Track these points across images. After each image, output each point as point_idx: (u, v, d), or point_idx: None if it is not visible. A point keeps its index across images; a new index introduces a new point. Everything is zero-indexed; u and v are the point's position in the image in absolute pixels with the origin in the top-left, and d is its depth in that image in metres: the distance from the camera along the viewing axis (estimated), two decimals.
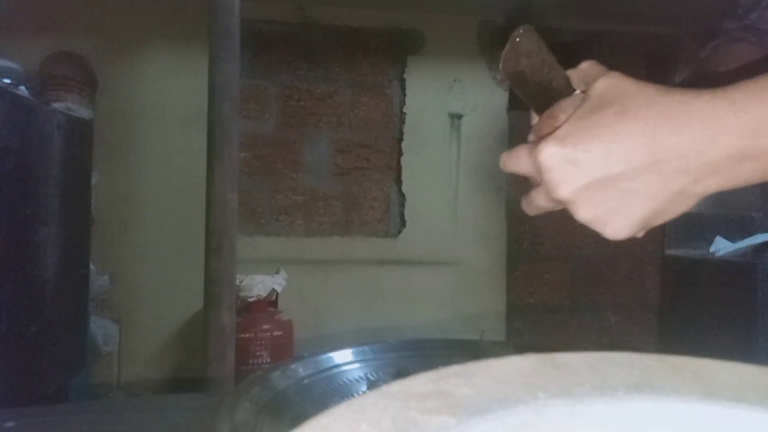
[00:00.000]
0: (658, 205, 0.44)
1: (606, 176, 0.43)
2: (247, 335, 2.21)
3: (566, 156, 0.43)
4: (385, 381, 0.66)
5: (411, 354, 0.71)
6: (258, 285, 2.32)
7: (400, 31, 2.80)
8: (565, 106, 0.48)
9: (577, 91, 0.49)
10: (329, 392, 0.62)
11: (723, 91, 0.41)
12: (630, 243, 3.04)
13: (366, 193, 2.80)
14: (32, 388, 1.61)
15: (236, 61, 1.47)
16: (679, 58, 2.90)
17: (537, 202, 0.51)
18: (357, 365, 0.68)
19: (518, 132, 2.81)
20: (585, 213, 0.46)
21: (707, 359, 0.28)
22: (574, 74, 0.50)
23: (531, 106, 0.52)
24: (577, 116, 0.44)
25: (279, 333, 2.31)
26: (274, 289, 2.39)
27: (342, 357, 0.68)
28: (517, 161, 0.49)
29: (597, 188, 0.44)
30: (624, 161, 0.42)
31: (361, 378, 0.67)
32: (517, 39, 0.47)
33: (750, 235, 2.09)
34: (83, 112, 2.28)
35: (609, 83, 0.44)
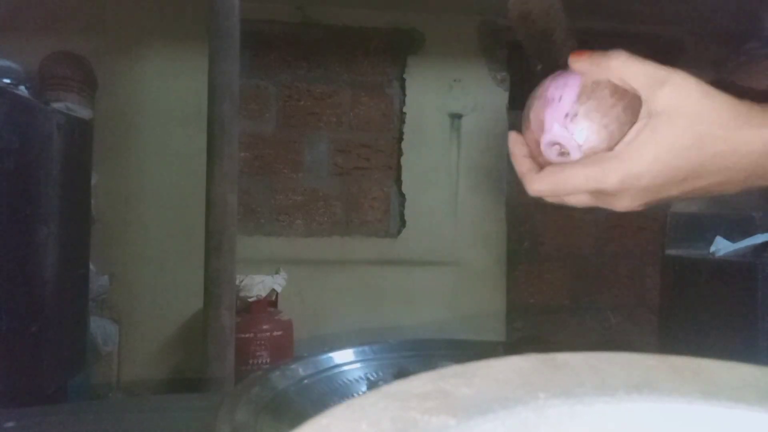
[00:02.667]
0: (714, 193, 0.44)
1: (672, 196, 0.43)
2: (247, 335, 2.21)
3: (641, 185, 0.42)
4: (385, 381, 0.66)
5: (411, 354, 0.72)
6: (258, 285, 2.32)
7: (400, 31, 2.80)
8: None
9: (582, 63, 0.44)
10: (329, 392, 0.62)
11: None
12: (630, 243, 3.05)
13: (366, 193, 2.80)
14: (32, 388, 1.61)
15: (236, 61, 1.47)
16: (679, 58, 2.90)
17: (568, 188, 0.45)
18: (357, 365, 0.68)
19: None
20: (629, 209, 0.45)
21: (707, 359, 0.28)
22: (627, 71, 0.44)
23: (532, 53, 0.50)
24: (648, 137, 0.41)
25: (279, 333, 2.31)
26: (273, 289, 2.39)
27: (342, 357, 0.68)
28: (565, 184, 0.44)
29: (657, 200, 0.44)
30: (693, 192, 0.42)
31: (361, 378, 0.67)
32: None
33: (750, 235, 2.09)
34: (83, 112, 2.28)
35: (679, 97, 0.40)
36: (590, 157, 0.43)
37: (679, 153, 0.40)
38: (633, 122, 0.43)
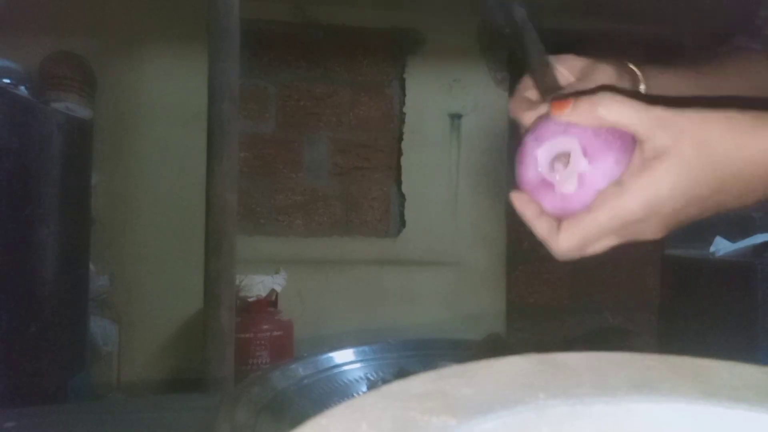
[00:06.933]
0: (732, 205, 0.44)
1: (692, 217, 0.43)
2: (247, 335, 2.21)
3: (664, 215, 0.41)
4: (385, 381, 0.66)
5: (411, 354, 0.72)
6: (258, 285, 2.32)
7: (400, 31, 2.80)
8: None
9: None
10: (329, 392, 0.63)
11: None
12: (630, 243, 3.04)
13: (366, 193, 2.80)
14: (32, 388, 1.61)
15: (236, 61, 1.47)
16: (679, 58, 2.90)
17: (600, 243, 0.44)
18: (357, 365, 0.68)
19: (518, 132, 2.81)
20: (659, 232, 0.45)
21: (707, 359, 0.28)
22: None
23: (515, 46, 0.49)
24: (660, 168, 0.40)
25: (279, 333, 2.31)
26: (273, 289, 2.39)
27: (342, 357, 0.68)
28: (589, 238, 0.43)
29: (676, 223, 0.43)
30: (716, 198, 0.42)
31: (361, 378, 0.67)
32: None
33: (750, 235, 2.09)
34: (83, 112, 2.28)
35: (681, 132, 0.39)
36: (601, 196, 0.42)
37: (696, 177, 0.40)
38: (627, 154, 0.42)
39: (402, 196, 2.81)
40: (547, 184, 0.44)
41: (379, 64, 2.80)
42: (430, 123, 2.82)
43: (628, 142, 0.42)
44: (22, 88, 1.93)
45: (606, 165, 0.42)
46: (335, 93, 2.78)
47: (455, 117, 2.84)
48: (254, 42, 2.63)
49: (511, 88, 2.94)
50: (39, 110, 1.67)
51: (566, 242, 0.43)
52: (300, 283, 2.61)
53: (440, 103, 2.83)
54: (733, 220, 2.35)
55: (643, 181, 0.40)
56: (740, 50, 0.66)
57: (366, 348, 0.70)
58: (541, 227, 0.45)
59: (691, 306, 2.10)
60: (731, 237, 2.16)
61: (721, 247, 2.12)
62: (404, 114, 2.81)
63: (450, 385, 0.24)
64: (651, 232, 0.43)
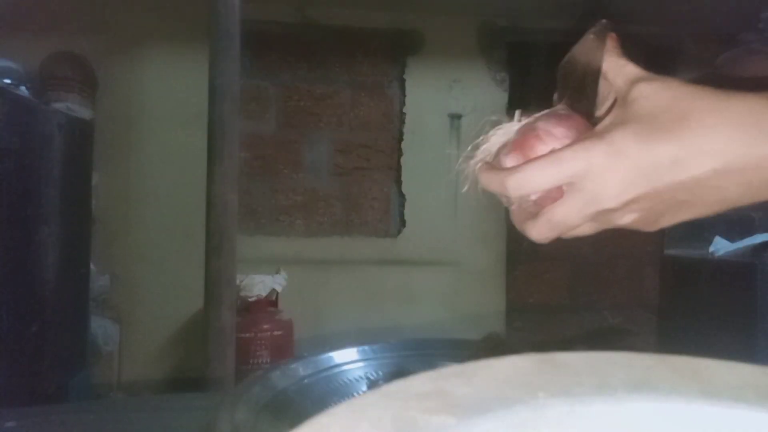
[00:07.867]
0: (708, 212, 0.41)
1: (667, 186, 0.39)
2: (247, 335, 2.21)
3: (627, 162, 0.38)
4: (385, 381, 0.66)
5: (411, 354, 0.72)
6: (258, 285, 2.32)
7: (400, 31, 2.80)
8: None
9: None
10: (329, 392, 0.63)
11: None
12: (629, 243, 3.05)
13: (366, 193, 2.80)
14: (32, 388, 1.61)
15: (236, 62, 1.47)
16: (680, 58, 2.90)
17: (566, 220, 0.42)
18: (357, 365, 0.68)
19: None
20: (628, 220, 0.42)
21: (707, 359, 0.28)
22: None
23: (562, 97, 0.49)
24: (628, 117, 0.39)
25: (279, 333, 2.31)
26: (274, 289, 2.39)
27: (342, 357, 0.68)
28: (535, 175, 0.41)
29: (652, 197, 0.40)
30: (689, 171, 0.38)
31: (361, 378, 0.68)
32: (591, 36, 0.46)
33: (750, 235, 2.08)
34: (83, 112, 2.28)
35: (658, 88, 0.40)
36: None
37: (662, 125, 0.38)
38: None
39: (402, 196, 2.81)
40: None
41: (379, 65, 2.80)
42: (430, 123, 2.82)
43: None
44: (23, 88, 1.93)
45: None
46: (335, 93, 2.78)
47: (455, 117, 2.84)
48: (255, 43, 2.63)
49: (511, 88, 2.95)
50: (40, 110, 1.67)
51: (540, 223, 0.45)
52: (300, 283, 2.61)
53: (440, 103, 2.83)
54: (733, 220, 2.35)
55: (606, 134, 0.40)
56: (747, 48, 0.66)
57: (366, 348, 0.71)
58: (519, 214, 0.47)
59: (691, 306, 2.10)
60: (731, 237, 2.16)
61: (721, 247, 2.11)
62: (404, 114, 2.81)
63: (450, 385, 0.24)
64: (627, 212, 0.41)
